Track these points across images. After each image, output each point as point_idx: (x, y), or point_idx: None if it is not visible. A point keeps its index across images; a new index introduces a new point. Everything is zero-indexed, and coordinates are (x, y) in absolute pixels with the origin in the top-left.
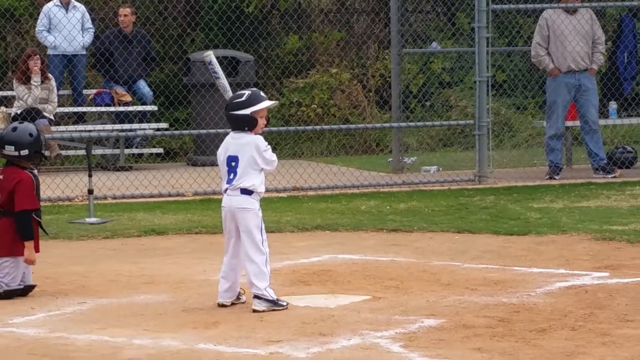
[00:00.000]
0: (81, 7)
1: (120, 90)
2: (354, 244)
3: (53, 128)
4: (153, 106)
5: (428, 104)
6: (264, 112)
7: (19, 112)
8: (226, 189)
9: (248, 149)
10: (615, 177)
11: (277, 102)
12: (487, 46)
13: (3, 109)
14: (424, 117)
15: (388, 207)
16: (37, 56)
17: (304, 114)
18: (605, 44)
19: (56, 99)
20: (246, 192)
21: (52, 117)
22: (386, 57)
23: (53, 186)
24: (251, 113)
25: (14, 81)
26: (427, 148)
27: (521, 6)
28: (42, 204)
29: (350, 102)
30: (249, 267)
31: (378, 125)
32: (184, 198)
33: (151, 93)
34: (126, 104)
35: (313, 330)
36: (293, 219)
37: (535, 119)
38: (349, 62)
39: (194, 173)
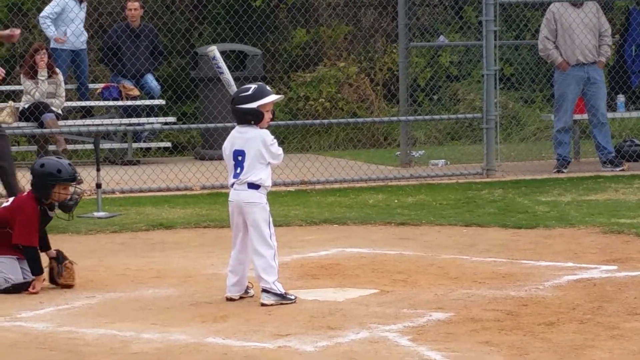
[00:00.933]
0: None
1: (128, 84)
2: (362, 237)
3: (61, 122)
4: (161, 100)
5: (436, 97)
6: (270, 106)
7: (26, 106)
8: (233, 184)
9: (254, 143)
10: (623, 170)
11: (282, 96)
12: (495, 39)
13: (11, 103)
14: (431, 110)
15: (396, 201)
16: (44, 51)
17: (312, 108)
18: (613, 37)
19: (64, 93)
20: (253, 186)
21: (59, 112)
22: (394, 50)
23: None
24: (257, 107)
25: (22, 76)
26: (434, 141)
27: None
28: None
29: (358, 95)
30: (257, 261)
31: (386, 118)
32: (192, 192)
33: (159, 87)
34: (134, 98)
35: (321, 324)
36: (301, 212)
37: (543, 112)
38: (356, 55)
39: (202, 167)
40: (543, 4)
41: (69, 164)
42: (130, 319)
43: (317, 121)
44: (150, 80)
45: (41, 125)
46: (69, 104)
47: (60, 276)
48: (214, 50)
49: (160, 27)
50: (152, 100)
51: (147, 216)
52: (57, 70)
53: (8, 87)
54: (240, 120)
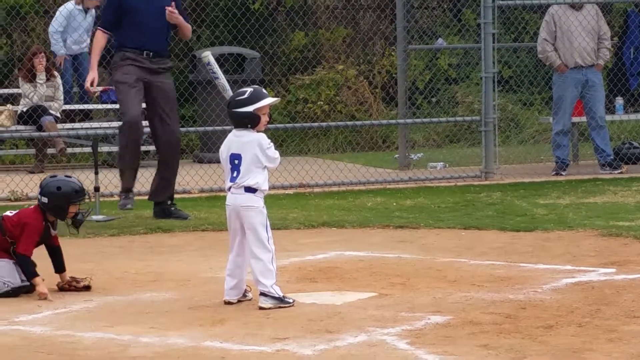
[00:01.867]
0: (93, 11)
1: None
2: (361, 240)
3: (59, 125)
4: None
5: (434, 100)
6: (266, 109)
7: (25, 109)
8: (230, 187)
9: (251, 147)
10: (621, 172)
11: (279, 99)
12: (493, 42)
13: (9, 106)
14: (430, 113)
15: (394, 204)
16: (42, 54)
17: (310, 111)
18: (612, 40)
19: (62, 97)
20: (250, 190)
21: (58, 115)
22: (392, 53)
23: None
24: (254, 110)
25: (20, 79)
26: (433, 144)
27: (527, 2)
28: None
29: (357, 98)
30: (254, 265)
31: (384, 121)
32: (190, 195)
33: None
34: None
35: (319, 327)
36: (299, 215)
37: (541, 114)
38: (355, 58)
39: (200, 170)
40: (541, 7)
41: (80, 184)
42: (128, 322)
43: (316, 124)
44: None
45: (39, 128)
46: (68, 107)
47: (79, 282)
48: (208, 56)
49: None
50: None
51: (145, 219)
52: (56, 73)
53: (6, 91)
54: (237, 124)
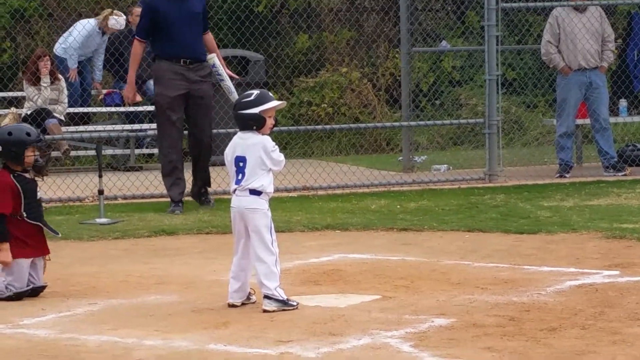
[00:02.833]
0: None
1: None
2: (364, 243)
3: (63, 129)
4: None
5: (438, 102)
6: (272, 111)
7: (29, 112)
8: (234, 190)
9: (256, 149)
10: (625, 175)
11: (285, 102)
12: (497, 44)
13: (13, 109)
14: (434, 115)
15: (398, 206)
16: (47, 57)
17: (314, 113)
18: (616, 42)
19: (66, 100)
20: (255, 192)
21: (62, 118)
22: (396, 55)
23: (63, 187)
24: (259, 112)
25: (24, 82)
26: (437, 147)
27: (531, 4)
28: (52, 204)
29: (361, 101)
30: (259, 268)
31: (388, 124)
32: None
33: None
34: (136, 104)
35: (323, 330)
36: (303, 218)
37: (545, 117)
38: (359, 61)
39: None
40: (545, 9)
41: (32, 127)
42: (132, 325)
43: (320, 127)
44: (152, 86)
45: (43, 131)
46: (72, 110)
47: None
48: (214, 58)
49: None
50: (154, 106)
51: (149, 222)
52: (60, 76)
53: (10, 94)
54: (243, 126)
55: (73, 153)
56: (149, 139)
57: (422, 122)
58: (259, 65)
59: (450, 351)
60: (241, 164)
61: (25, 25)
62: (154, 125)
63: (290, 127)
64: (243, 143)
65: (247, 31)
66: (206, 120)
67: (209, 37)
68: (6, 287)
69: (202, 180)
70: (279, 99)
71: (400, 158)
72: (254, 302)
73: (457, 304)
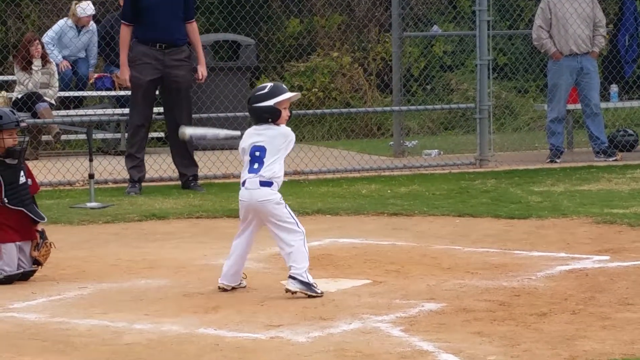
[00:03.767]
0: (92, 29)
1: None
2: (355, 228)
3: (53, 112)
4: None
5: (429, 87)
6: (286, 103)
7: (19, 96)
8: (245, 181)
9: (277, 140)
10: (616, 160)
11: (299, 94)
12: (488, 29)
13: (4, 93)
14: (425, 100)
15: (389, 191)
16: (37, 41)
17: (305, 98)
18: (607, 27)
19: (57, 84)
20: (265, 184)
21: (53, 102)
22: (387, 40)
23: (54, 171)
24: (274, 104)
25: (15, 66)
26: (428, 131)
27: None
28: (43, 188)
29: (352, 85)
30: (288, 253)
31: (379, 108)
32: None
33: None
34: (127, 88)
35: (314, 315)
36: (294, 203)
37: (536, 102)
38: (350, 45)
39: (195, 157)
40: None
41: (11, 110)
42: (122, 309)
43: (311, 111)
44: None
45: (34, 115)
46: (62, 93)
47: (37, 249)
48: (184, 133)
49: None
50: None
51: (139, 207)
52: (51, 59)
53: (1, 78)
54: (258, 119)
55: (64, 137)
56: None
57: (413, 107)
58: (250, 49)
59: (440, 336)
60: (258, 154)
61: (15, 9)
62: None
63: None
64: (262, 134)
65: (238, 15)
66: (183, 104)
67: (193, 27)
68: None
69: (189, 173)
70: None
71: (391, 143)
72: (244, 287)
73: (447, 289)
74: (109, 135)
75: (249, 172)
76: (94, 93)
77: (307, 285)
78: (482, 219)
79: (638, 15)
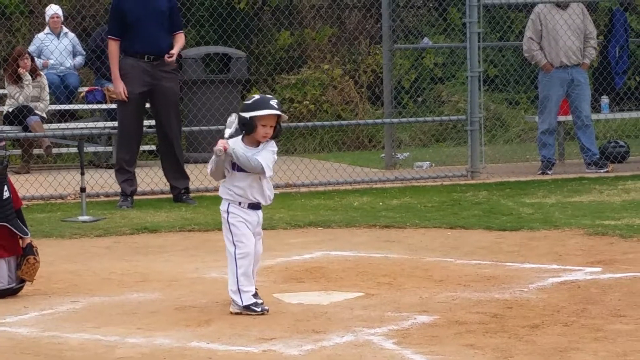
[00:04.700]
0: (70, 34)
1: (111, 87)
2: (347, 240)
3: (45, 126)
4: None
5: (420, 99)
6: (267, 120)
7: (10, 110)
8: None
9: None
10: (607, 171)
11: (278, 113)
12: (479, 41)
13: None
14: (416, 112)
15: (381, 204)
16: (26, 55)
17: (296, 110)
18: (597, 39)
19: (48, 97)
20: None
21: (44, 115)
22: (378, 52)
23: (45, 184)
24: (249, 117)
25: (5, 80)
26: (419, 144)
27: (512, 1)
28: (34, 202)
29: (342, 98)
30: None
31: (370, 121)
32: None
33: None
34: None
35: (306, 328)
36: (286, 215)
37: (527, 114)
38: (340, 57)
39: (186, 170)
40: (527, 6)
41: None
42: (114, 323)
43: (302, 124)
44: None
45: (25, 129)
46: (53, 107)
47: (18, 267)
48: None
49: None
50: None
51: (131, 220)
52: (41, 73)
53: None
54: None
55: (55, 150)
56: None
57: (404, 119)
58: (240, 62)
59: (433, 348)
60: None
61: (6, 22)
62: None
63: None
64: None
65: (228, 28)
66: (171, 115)
67: (180, 37)
68: None
69: (180, 185)
70: (278, 106)
71: (383, 155)
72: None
73: (439, 301)
74: (100, 149)
75: None
76: (85, 106)
77: (244, 307)
78: (474, 231)
79: (628, 27)
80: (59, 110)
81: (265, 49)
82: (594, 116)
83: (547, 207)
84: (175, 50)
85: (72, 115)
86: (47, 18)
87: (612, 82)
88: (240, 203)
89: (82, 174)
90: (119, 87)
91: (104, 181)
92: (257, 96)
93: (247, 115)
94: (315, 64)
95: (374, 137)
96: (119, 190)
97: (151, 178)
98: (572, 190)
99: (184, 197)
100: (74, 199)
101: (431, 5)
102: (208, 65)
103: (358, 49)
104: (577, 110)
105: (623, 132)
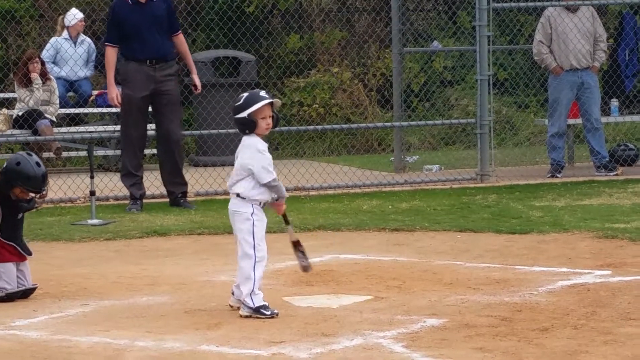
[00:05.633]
0: (87, 40)
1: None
2: (356, 243)
3: (55, 129)
4: None
5: (429, 103)
6: (264, 111)
7: (20, 113)
8: None
9: (245, 151)
10: (617, 174)
11: (273, 99)
12: (489, 44)
13: (5, 110)
14: (425, 115)
15: (390, 207)
16: (37, 58)
17: (306, 114)
18: (607, 42)
19: (57, 101)
20: (239, 195)
21: (53, 119)
22: (387, 56)
23: (55, 188)
24: (247, 115)
25: (15, 84)
26: (429, 147)
27: (522, 4)
28: (44, 206)
29: (352, 101)
30: (238, 271)
31: (380, 124)
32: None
33: None
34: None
35: (315, 331)
36: (295, 219)
37: (537, 117)
38: (350, 61)
39: (196, 174)
40: (537, 9)
41: (43, 175)
42: (124, 326)
43: (311, 127)
44: None
45: (35, 132)
46: (63, 110)
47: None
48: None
49: None
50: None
51: (140, 223)
52: (51, 77)
53: (1, 95)
54: (239, 130)
55: (64, 154)
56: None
57: (413, 123)
58: (250, 65)
59: (442, 351)
60: (234, 165)
61: (16, 26)
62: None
63: (282, 128)
64: (240, 145)
65: (238, 32)
66: (173, 117)
67: (180, 38)
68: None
69: (177, 191)
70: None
71: (392, 158)
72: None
73: (449, 304)
74: (109, 152)
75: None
76: (95, 110)
77: (255, 309)
78: (484, 234)
79: (638, 30)
80: (69, 114)
81: (275, 52)
82: (604, 119)
83: (556, 210)
84: (196, 80)
85: (82, 120)
86: (66, 22)
87: (622, 85)
88: (260, 203)
89: (92, 177)
90: (112, 93)
91: (113, 184)
92: (244, 94)
93: (244, 114)
94: (325, 67)
95: (384, 140)
96: (129, 193)
97: (160, 182)
98: (581, 193)
99: (182, 201)
100: (84, 202)
101: (441, 8)
102: (218, 69)
103: (367, 52)
104: (587, 114)
105: (633, 135)
